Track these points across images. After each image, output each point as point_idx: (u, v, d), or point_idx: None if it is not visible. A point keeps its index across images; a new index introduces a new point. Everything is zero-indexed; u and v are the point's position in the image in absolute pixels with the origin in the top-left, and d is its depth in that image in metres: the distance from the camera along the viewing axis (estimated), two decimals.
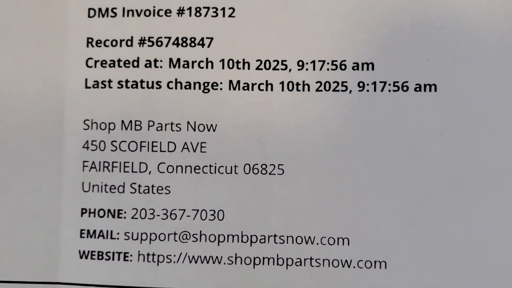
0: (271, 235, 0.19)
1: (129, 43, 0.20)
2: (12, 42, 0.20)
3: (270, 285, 0.19)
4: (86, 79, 0.20)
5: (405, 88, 0.19)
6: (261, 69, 0.20)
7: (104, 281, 0.20)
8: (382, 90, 0.19)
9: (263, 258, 0.19)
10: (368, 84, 0.19)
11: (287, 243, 0.19)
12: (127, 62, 0.20)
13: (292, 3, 0.20)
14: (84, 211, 0.20)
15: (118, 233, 0.20)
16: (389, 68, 0.19)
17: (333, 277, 0.19)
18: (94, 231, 0.20)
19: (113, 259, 0.20)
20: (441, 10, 0.19)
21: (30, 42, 0.20)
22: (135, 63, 0.20)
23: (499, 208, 0.19)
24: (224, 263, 0.19)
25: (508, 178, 0.19)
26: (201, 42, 0.20)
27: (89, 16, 0.20)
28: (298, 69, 0.20)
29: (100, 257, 0.20)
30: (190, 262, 0.19)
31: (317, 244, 0.19)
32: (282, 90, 0.20)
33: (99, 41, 0.20)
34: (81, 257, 0.20)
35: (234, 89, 0.20)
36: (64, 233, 0.20)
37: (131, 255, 0.20)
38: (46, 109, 0.20)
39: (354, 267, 0.19)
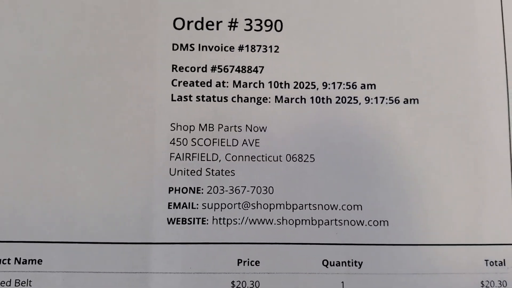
0: (307, 204, 0.27)
1: (204, 69, 0.28)
2: (114, 68, 0.27)
3: (307, 239, 0.27)
4: (172, 94, 0.28)
5: (397, 101, 0.28)
6: (297, 88, 0.28)
7: (187, 240, 0.26)
8: (381, 103, 0.28)
9: (302, 220, 0.27)
10: (372, 98, 0.28)
11: (318, 209, 0.27)
12: (202, 83, 0.28)
13: (317, 43, 0.28)
14: (171, 189, 0.27)
15: (197, 204, 0.27)
16: (386, 87, 0.28)
17: (351, 233, 0.27)
18: (179, 203, 0.27)
19: (193, 223, 0.27)
20: (422, 44, 0.28)
21: (127, 68, 0.27)
22: (209, 84, 0.28)
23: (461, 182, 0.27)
24: (274, 224, 0.27)
25: (461, 158, 0.27)
26: (255, 69, 0.28)
27: (173, 50, 0.28)
28: (323, 88, 0.28)
29: (184, 222, 0.27)
30: (250, 223, 0.27)
31: (339, 210, 0.27)
32: (312, 102, 0.28)
33: (181, 68, 0.28)
34: (168, 223, 0.27)
35: (279, 102, 0.28)
36: (155, 206, 0.27)
37: (207, 220, 0.27)
38: (140, 116, 0.27)
39: (365, 225, 0.27)
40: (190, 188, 0.27)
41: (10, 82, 0.27)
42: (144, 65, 0.28)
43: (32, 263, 0.26)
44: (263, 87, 0.28)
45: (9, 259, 0.26)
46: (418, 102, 0.28)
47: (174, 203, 0.27)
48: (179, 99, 0.27)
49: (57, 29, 0.28)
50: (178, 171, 0.27)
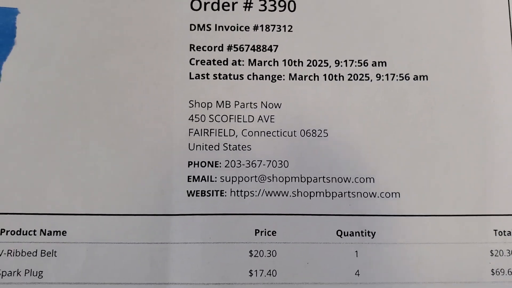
0: (321, 177, 0.28)
1: (220, 49, 0.29)
2: (134, 48, 0.29)
3: (321, 210, 0.28)
4: (190, 73, 0.29)
5: (407, 78, 0.29)
6: (310, 66, 0.29)
7: (206, 211, 0.27)
8: (392, 79, 0.29)
9: (316, 192, 0.28)
10: (383, 75, 0.29)
11: (332, 182, 0.28)
12: (219, 61, 0.29)
13: (329, 22, 0.29)
14: (190, 163, 0.28)
15: (215, 177, 0.28)
16: (396, 65, 0.29)
17: (364, 204, 0.28)
18: (198, 177, 0.28)
19: (212, 195, 0.28)
20: (431, 22, 0.29)
21: (146, 48, 0.29)
22: (225, 62, 0.29)
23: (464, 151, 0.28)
24: (290, 196, 0.28)
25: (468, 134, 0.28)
26: (270, 48, 0.29)
27: (190, 30, 0.29)
28: (336, 66, 0.29)
29: (203, 194, 0.28)
30: (267, 195, 0.28)
31: (353, 182, 0.28)
32: (325, 79, 0.29)
33: (198, 47, 0.29)
34: (188, 195, 0.28)
35: (293, 79, 0.29)
36: (175, 179, 0.28)
37: (225, 192, 0.28)
38: (159, 94, 0.28)
39: (378, 197, 0.28)
40: (209, 162, 0.28)
41: (33, 62, 0.29)
42: (162, 45, 0.29)
43: (56, 235, 0.27)
44: (277, 65, 0.29)
45: (34, 231, 0.27)
46: (427, 79, 0.29)
47: (194, 177, 0.28)
48: (197, 77, 0.29)
49: (77, 11, 0.29)
50: (196, 146, 0.28)
